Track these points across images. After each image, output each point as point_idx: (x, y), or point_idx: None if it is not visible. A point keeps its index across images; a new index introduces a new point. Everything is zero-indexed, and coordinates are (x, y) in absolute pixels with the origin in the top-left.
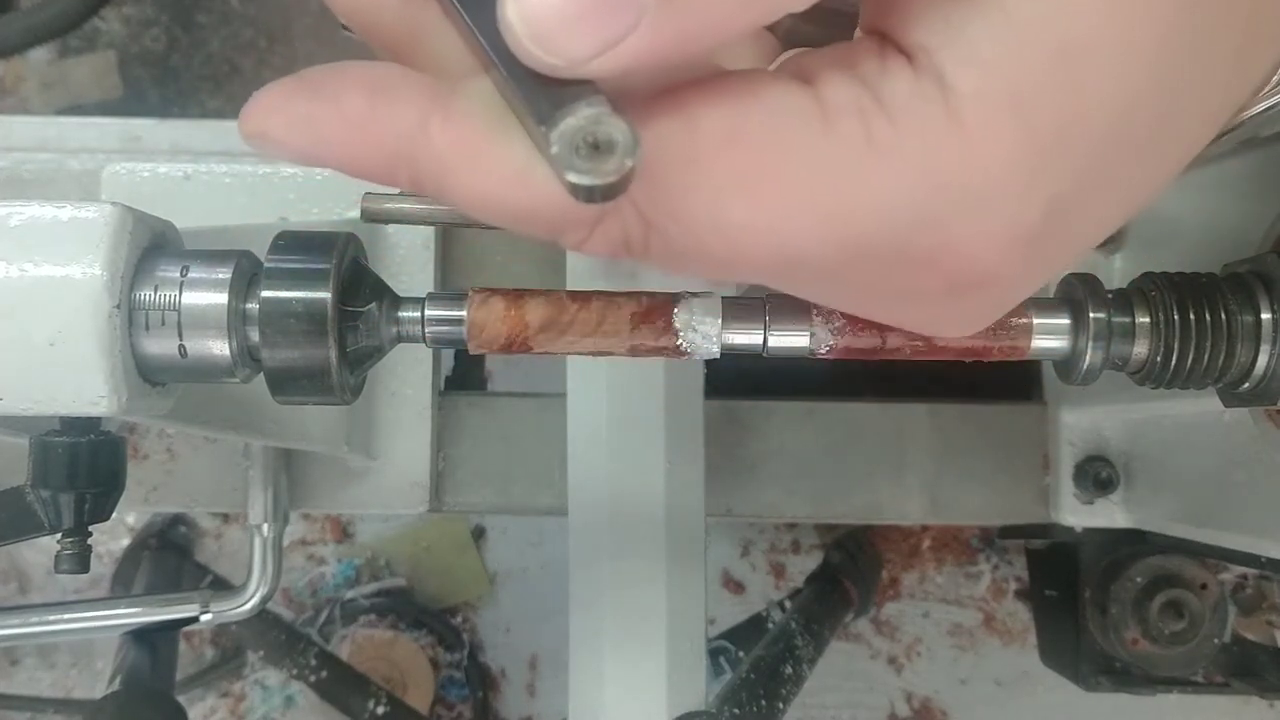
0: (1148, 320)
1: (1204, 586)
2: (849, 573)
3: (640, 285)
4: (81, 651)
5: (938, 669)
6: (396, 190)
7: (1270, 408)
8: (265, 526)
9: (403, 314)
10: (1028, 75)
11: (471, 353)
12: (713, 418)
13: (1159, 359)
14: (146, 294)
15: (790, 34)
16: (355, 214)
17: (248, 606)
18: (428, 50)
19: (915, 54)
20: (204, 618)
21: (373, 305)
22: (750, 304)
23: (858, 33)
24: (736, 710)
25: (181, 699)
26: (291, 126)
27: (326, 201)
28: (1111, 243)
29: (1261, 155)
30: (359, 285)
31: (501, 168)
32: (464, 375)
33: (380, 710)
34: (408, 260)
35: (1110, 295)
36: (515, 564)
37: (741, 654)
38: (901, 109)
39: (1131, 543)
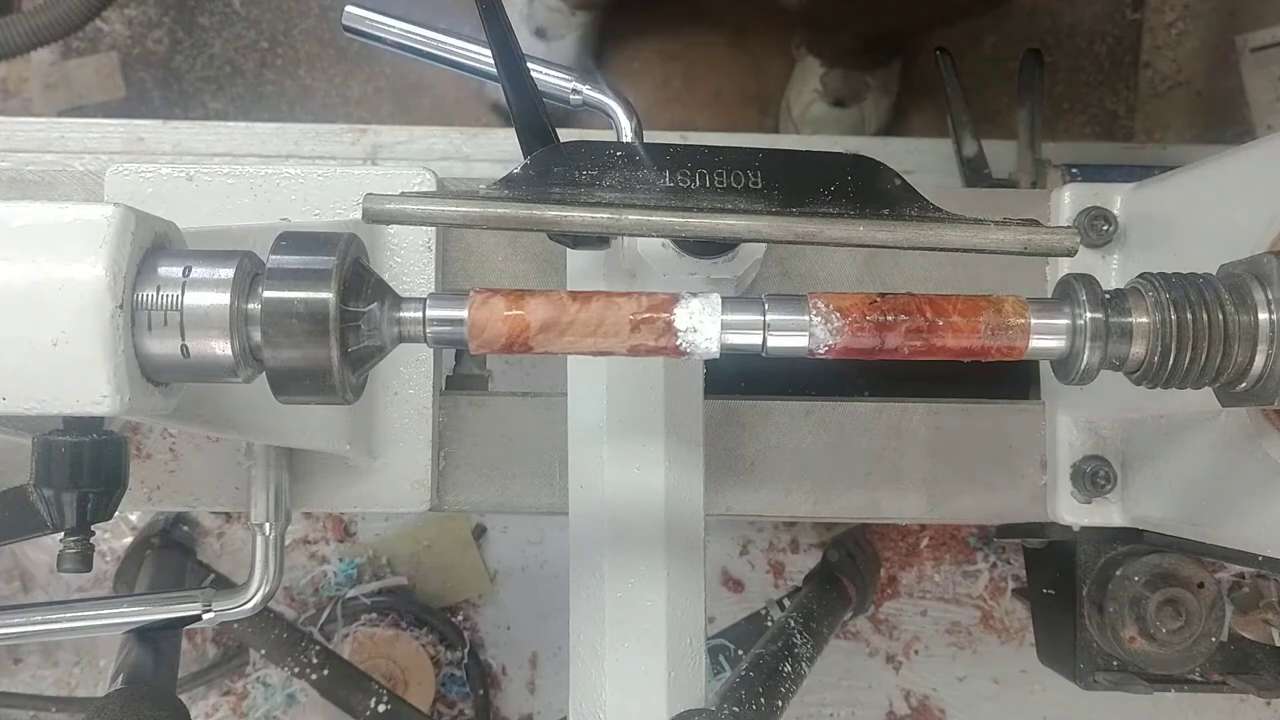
0: (1145, 320)
1: (1201, 585)
2: (847, 571)
3: (640, 286)
4: (84, 650)
5: (936, 667)
6: (398, 190)
7: (1267, 407)
8: (267, 525)
9: (404, 314)
10: None
11: (472, 353)
12: (712, 417)
13: (1156, 359)
14: (149, 294)
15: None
16: (357, 215)
17: (250, 605)
18: None
19: None
20: (206, 616)
21: (374, 305)
22: (750, 304)
23: None
24: (736, 708)
25: (184, 697)
26: None
27: (328, 202)
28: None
29: (1260, 155)
30: (360, 285)
31: None
32: (465, 375)
33: (381, 708)
34: (408, 261)
35: (1107, 295)
36: (516, 562)
37: (741, 652)
38: None
39: (1128, 541)
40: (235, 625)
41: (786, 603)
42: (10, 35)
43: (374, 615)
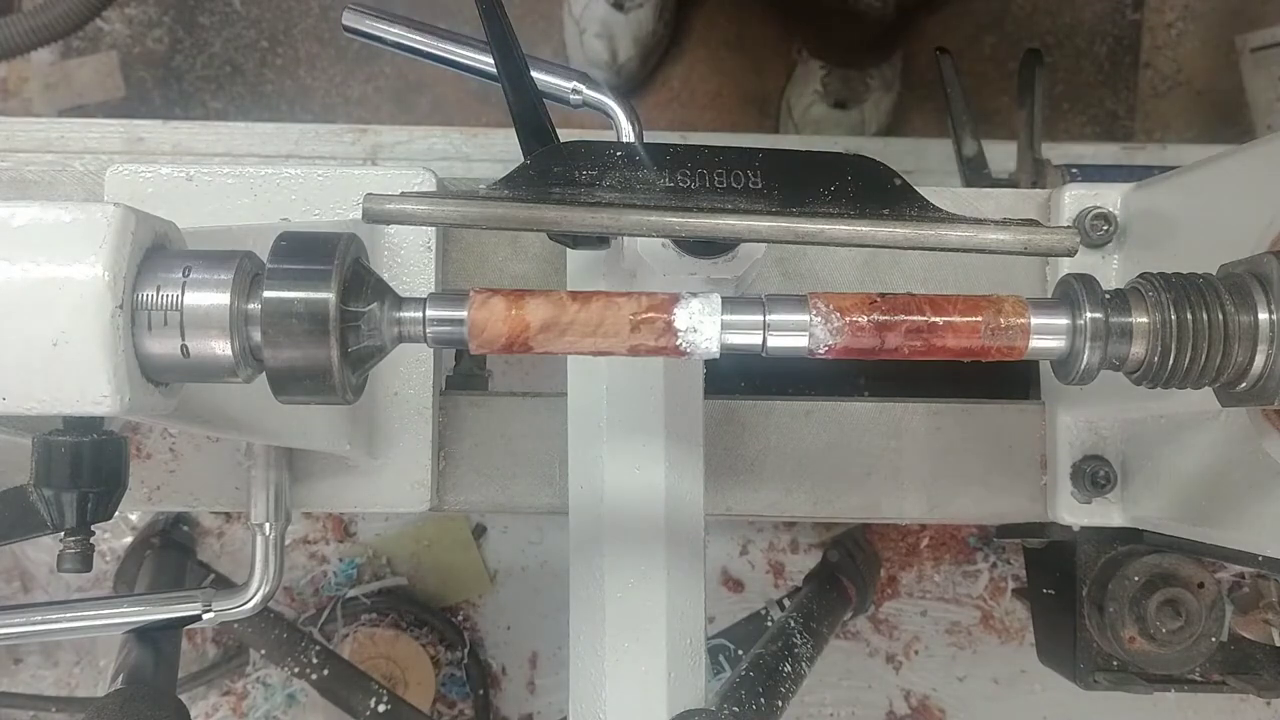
0: (1145, 320)
1: (1201, 585)
2: (847, 571)
3: (640, 286)
4: (84, 650)
5: (936, 667)
6: (398, 190)
7: (1267, 407)
8: (267, 525)
9: (404, 314)
10: None
11: (472, 353)
12: (712, 417)
13: (1156, 359)
14: (149, 294)
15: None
16: (357, 214)
17: (250, 605)
18: None
19: None
20: (206, 616)
21: (374, 305)
22: (750, 304)
23: None
24: (736, 708)
25: (184, 697)
26: None
27: (328, 202)
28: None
29: (1260, 155)
30: (360, 286)
31: None
32: (465, 375)
33: (382, 708)
34: (409, 261)
35: (1108, 295)
36: (516, 562)
37: (740, 652)
38: None
39: (1128, 541)
40: (235, 625)
41: (786, 603)
42: (10, 35)
43: (374, 615)
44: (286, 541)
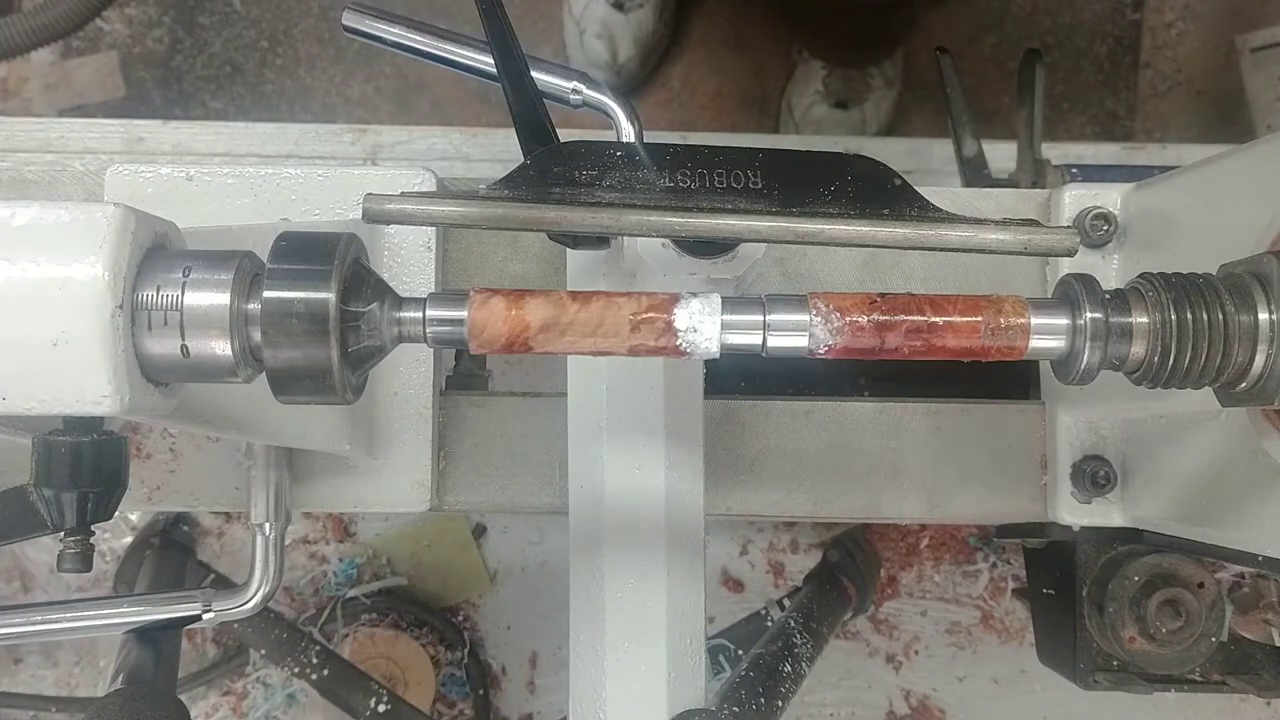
0: (1145, 320)
1: (1201, 585)
2: (847, 571)
3: (640, 286)
4: (84, 650)
5: (936, 667)
6: (398, 190)
7: (1267, 407)
8: (267, 525)
9: (404, 314)
10: None
11: (472, 353)
12: (712, 417)
13: (1156, 359)
14: (149, 294)
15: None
16: (357, 215)
17: (250, 605)
18: None
19: None
20: (206, 616)
21: (374, 305)
22: (750, 304)
23: None
24: (736, 708)
25: (184, 697)
26: None
27: (328, 202)
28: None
29: (1260, 155)
30: (361, 286)
31: None
32: (465, 375)
33: (381, 708)
34: (408, 261)
35: (1108, 295)
36: (516, 562)
37: (740, 652)
38: None
39: (1128, 541)
40: (235, 625)
41: (786, 603)
42: (10, 35)
43: (374, 615)
44: (286, 541)
